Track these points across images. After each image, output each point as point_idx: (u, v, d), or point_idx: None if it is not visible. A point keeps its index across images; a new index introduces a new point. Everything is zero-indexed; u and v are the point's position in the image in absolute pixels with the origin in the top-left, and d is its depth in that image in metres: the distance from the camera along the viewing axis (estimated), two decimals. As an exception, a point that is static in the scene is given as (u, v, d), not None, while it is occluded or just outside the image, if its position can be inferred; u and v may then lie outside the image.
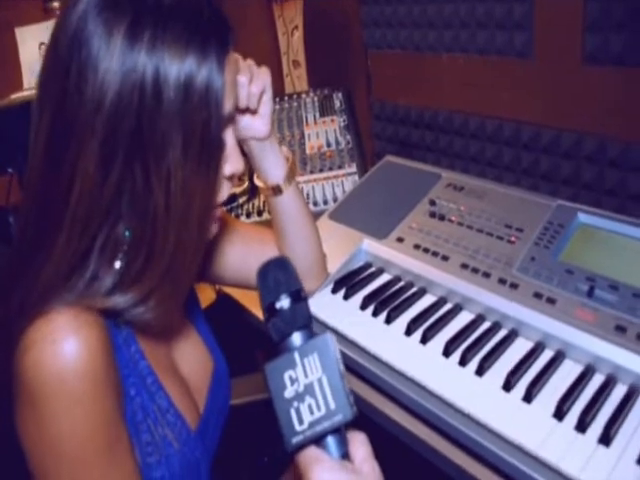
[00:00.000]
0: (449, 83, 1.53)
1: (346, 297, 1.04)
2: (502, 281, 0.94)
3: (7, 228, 1.42)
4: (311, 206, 1.48)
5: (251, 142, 0.87)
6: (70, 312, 0.60)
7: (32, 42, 1.69)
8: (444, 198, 1.14)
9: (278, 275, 0.56)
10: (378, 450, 0.59)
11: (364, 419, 0.86)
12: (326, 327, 1.00)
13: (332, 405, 0.51)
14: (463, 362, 0.86)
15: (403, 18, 1.57)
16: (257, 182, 0.93)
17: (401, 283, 1.06)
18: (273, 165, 0.89)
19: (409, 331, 0.93)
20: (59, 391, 0.58)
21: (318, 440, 0.52)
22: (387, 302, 1.00)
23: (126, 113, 0.57)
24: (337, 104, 1.68)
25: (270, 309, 0.55)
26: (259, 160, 0.89)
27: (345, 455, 0.53)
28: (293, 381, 0.52)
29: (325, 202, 1.49)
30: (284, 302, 0.55)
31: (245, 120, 0.84)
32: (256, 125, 0.85)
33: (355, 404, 0.52)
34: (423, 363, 0.87)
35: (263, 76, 0.82)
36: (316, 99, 1.70)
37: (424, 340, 0.91)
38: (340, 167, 1.55)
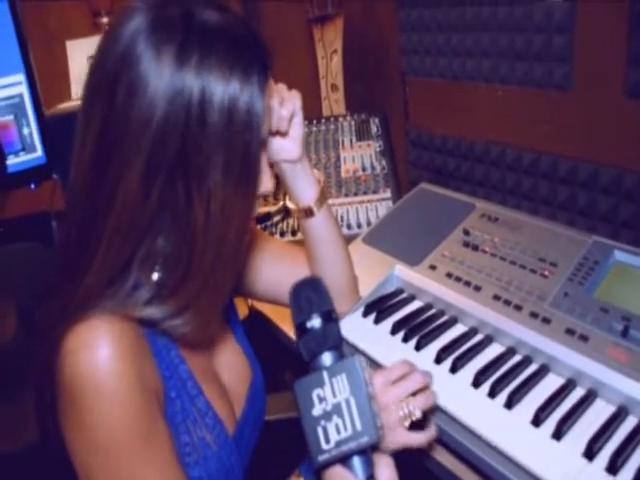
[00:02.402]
0: (486, 113, 1.53)
1: (377, 321, 1.05)
2: (534, 315, 0.94)
3: (49, 232, 1.47)
4: (344, 229, 1.50)
5: (283, 164, 0.89)
6: (107, 320, 0.63)
7: (81, 55, 1.76)
8: (478, 228, 1.15)
9: (310, 295, 0.59)
10: (402, 475, 0.60)
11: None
12: (356, 350, 1.01)
13: (359, 426, 0.52)
14: (492, 394, 0.86)
15: (442, 46, 1.58)
16: (289, 204, 0.95)
17: (432, 311, 1.06)
18: (305, 187, 0.91)
19: (439, 359, 0.94)
20: (95, 391, 0.61)
21: (344, 460, 0.53)
22: (417, 329, 1.01)
23: (172, 133, 0.60)
24: (374, 129, 1.70)
25: (301, 328, 0.57)
26: (291, 182, 0.91)
27: (370, 477, 0.54)
28: (321, 400, 0.53)
29: (359, 226, 1.50)
30: (315, 322, 0.57)
31: (276, 143, 0.86)
32: (287, 148, 0.87)
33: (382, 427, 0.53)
34: (452, 392, 0.88)
35: (293, 99, 0.84)
36: (353, 123, 1.73)
37: (453, 369, 0.91)
38: (375, 192, 1.57)
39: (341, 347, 0.58)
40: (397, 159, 1.67)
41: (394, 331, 1.02)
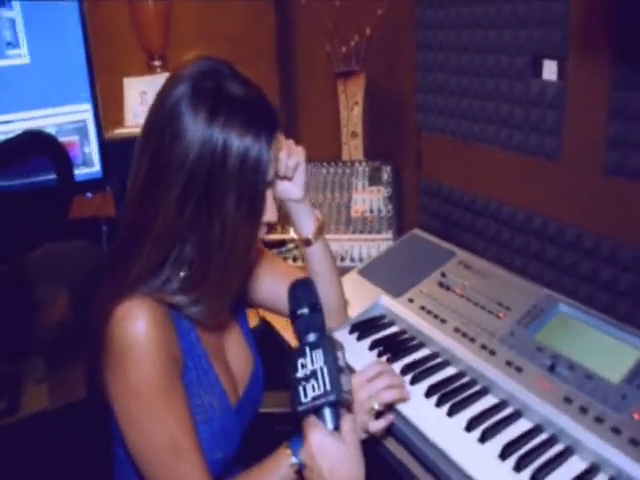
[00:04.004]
0: (488, 172, 1.68)
1: (359, 338, 1.28)
2: (483, 347, 1.16)
3: (99, 233, 1.76)
4: (348, 261, 1.74)
5: (289, 203, 1.13)
6: (146, 300, 0.88)
7: (135, 90, 2.06)
8: (454, 272, 1.38)
9: (301, 292, 0.84)
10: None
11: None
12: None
13: (328, 387, 0.76)
14: (439, 404, 1.08)
15: (453, 109, 1.75)
16: (293, 234, 1.19)
17: (406, 335, 1.29)
18: (305, 222, 1.15)
19: (403, 372, 1.16)
20: (136, 348, 0.85)
21: (318, 412, 0.76)
22: (391, 348, 1.24)
23: (200, 170, 0.84)
24: (385, 176, 1.95)
25: (294, 314, 0.82)
26: (294, 217, 1.15)
27: (336, 428, 0.77)
28: (303, 366, 0.77)
29: (360, 259, 1.74)
30: (304, 310, 0.81)
31: (284, 185, 1.10)
32: (292, 190, 1.11)
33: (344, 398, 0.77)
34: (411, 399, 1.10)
35: (299, 153, 1.08)
36: (367, 169, 1.97)
37: (413, 382, 1.14)
38: (378, 232, 1.81)
39: (324, 330, 0.81)
40: (409, 205, 1.88)
41: (372, 347, 1.25)
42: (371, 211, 1.87)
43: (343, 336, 1.29)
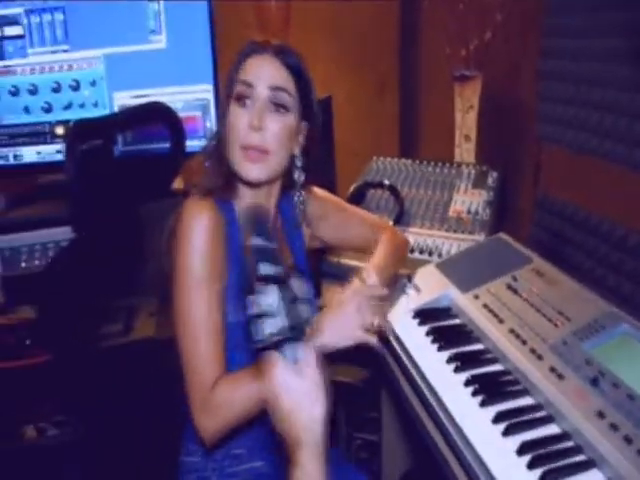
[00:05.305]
0: (603, 189, 1.64)
1: (420, 324, 1.37)
2: (532, 350, 1.19)
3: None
4: (435, 256, 1.80)
5: None
6: (200, 201, 1.17)
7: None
8: (525, 278, 1.40)
9: (252, 224, 0.85)
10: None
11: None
12: (396, 339, 1.34)
13: (285, 324, 0.77)
14: (475, 394, 1.14)
15: (571, 119, 1.70)
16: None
17: (464, 329, 1.35)
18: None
19: (449, 360, 1.23)
20: (190, 239, 1.12)
21: (278, 347, 0.78)
22: (446, 336, 1.31)
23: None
24: (489, 181, 1.97)
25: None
26: None
27: (295, 361, 0.79)
28: (258, 303, 0.77)
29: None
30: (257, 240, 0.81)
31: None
32: None
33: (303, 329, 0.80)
34: (446, 382, 1.17)
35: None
36: (473, 172, 2.01)
37: (456, 370, 1.21)
38: (470, 233, 1.85)
39: (279, 262, 0.80)
40: (512, 212, 1.87)
41: (428, 333, 1.33)
42: (468, 212, 1.91)
43: (406, 319, 1.38)
